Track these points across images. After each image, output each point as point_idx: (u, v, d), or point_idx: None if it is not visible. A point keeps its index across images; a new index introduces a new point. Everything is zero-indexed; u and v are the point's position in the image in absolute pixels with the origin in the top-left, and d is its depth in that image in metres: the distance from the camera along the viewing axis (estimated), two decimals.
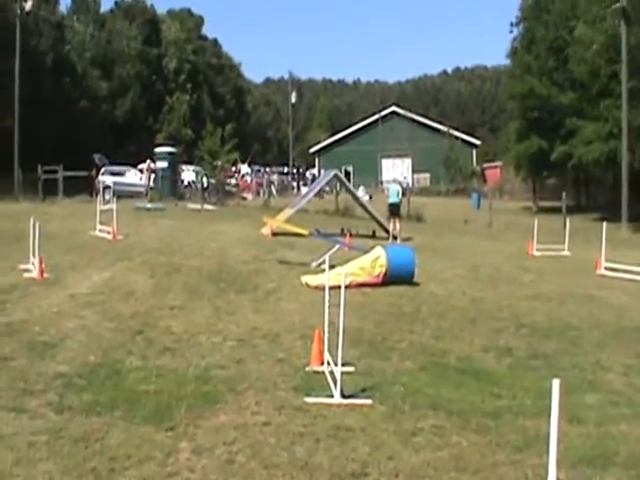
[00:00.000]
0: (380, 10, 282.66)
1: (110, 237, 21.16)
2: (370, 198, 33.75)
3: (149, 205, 32.81)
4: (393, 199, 28.21)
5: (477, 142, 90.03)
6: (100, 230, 22.10)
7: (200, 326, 12.05)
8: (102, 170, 44.86)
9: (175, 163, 42.65)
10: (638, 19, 36.74)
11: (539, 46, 52.02)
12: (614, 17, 38.22)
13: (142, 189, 41.19)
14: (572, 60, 45.33)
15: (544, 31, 51.42)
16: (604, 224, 21.92)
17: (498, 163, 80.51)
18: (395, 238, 26.18)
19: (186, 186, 45.12)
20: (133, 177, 44.47)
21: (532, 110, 51.76)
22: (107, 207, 24.50)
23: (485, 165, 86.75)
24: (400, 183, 32.61)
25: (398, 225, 27.19)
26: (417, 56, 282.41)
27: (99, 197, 31.18)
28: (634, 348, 11.83)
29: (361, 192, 33.02)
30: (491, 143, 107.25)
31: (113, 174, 44.30)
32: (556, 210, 41.93)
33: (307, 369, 9.83)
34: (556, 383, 5.18)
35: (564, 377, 9.81)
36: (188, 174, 47.31)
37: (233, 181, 53.34)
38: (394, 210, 27.96)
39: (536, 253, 23.96)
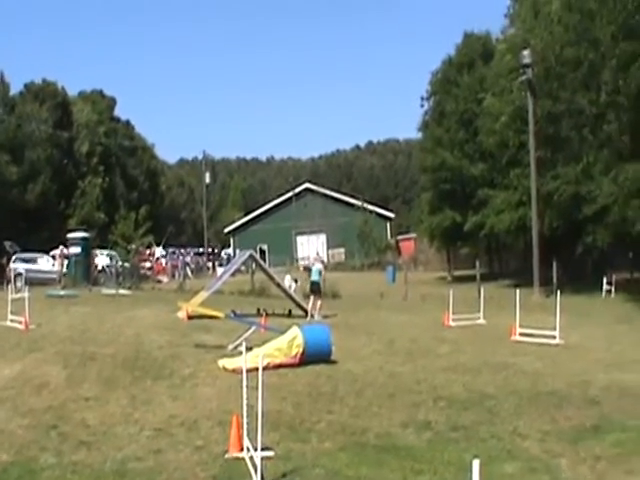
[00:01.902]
0: (291, 88, 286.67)
1: (22, 327, 20.63)
2: (296, 282, 33.72)
3: (62, 292, 32.21)
4: (314, 277, 28.79)
5: (391, 215, 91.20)
6: (11, 320, 21.49)
7: (116, 417, 11.82)
8: (13, 257, 44.14)
9: (88, 248, 42.05)
10: (543, 91, 37.94)
11: (449, 119, 53.25)
12: (521, 89, 39.40)
13: (55, 276, 40.55)
14: (481, 132, 46.48)
15: (454, 104, 52.71)
16: (517, 291, 22.42)
17: (412, 235, 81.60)
18: (312, 316, 26.31)
19: (100, 271, 44.52)
20: (45, 264, 43.82)
21: (444, 182, 52.76)
22: (19, 296, 24.01)
23: (399, 237, 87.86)
24: (323, 261, 32.98)
25: (318, 303, 27.45)
26: (330, 132, 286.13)
27: (10, 285, 30.58)
28: (550, 413, 12.07)
29: (287, 281, 32.96)
30: (405, 215, 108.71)
31: (25, 261, 43.62)
32: (470, 278, 42.58)
33: (226, 456, 9.72)
34: (476, 463, 5.24)
35: (483, 447, 10.03)
36: (102, 259, 46.72)
37: (148, 264, 52.91)
38: (314, 288, 28.49)
39: (452, 323, 24.28)
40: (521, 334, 20.74)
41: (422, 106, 58.65)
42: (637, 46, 29.44)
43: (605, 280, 36.00)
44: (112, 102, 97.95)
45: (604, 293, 35.73)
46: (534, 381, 14.73)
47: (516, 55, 38.99)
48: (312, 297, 28.06)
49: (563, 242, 43.31)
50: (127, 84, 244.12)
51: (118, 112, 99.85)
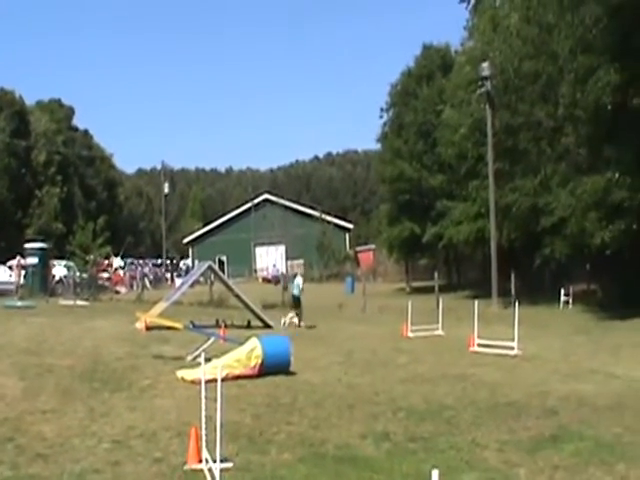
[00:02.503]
0: (250, 99, 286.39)
1: None
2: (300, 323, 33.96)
3: (19, 303, 31.85)
4: (295, 291, 30.69)
5: (350, 226, 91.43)
6: None
7: (74, 429, 11.66)
8: None
9: (46, 258, 41.64)
10: (502, 103, 38.23)
11: (408, 130, 53.60)
12: (479, 101, 39.66)
13: (12, 286, 40.06)
14: (440, 143, 46.75)
15: (413, 116, 53.06)
16: (475, 302, 22.54)
17: (371, 246, 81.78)
18: (299, 326, 28.17)
19: (57, 281, 44.10)
20: (2, 274, 43.31)
21: (403, 193, 53.07)
22: None
23: (358, 249, 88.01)
24: (301, 276, 33.80)
25: (290, 315, 29.20)
26: (288, 143, 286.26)
27: None
28: (508, 424, 12.09)
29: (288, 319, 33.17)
30: (364, 226, 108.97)
31: None
32: (429, 290, 42.76)
33: (185, 468, 9.61)
34: (435, 474, 5.24)
35: (442, 458, 10.02)
36: (59, 269, 46.28)
37: (106, 275, 52.50)
38: (293, 301, 30.53)
39: (410, 334, 24.36)
40: (479, 345, 20.85)
41: (381, 117, 59.07)
42: (594, 60, 29.76)
43: (563, 292, 36.25)
44: (70, 111, 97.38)
45: (562, 304, 35.97)
46: (493, 392, 14.79)
47: (475, 67, 39.28)
48: (294, 309, 29.71)
49: (521, 254, 43.66)
50: (85, 94, 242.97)
51: (76, 122, 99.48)
